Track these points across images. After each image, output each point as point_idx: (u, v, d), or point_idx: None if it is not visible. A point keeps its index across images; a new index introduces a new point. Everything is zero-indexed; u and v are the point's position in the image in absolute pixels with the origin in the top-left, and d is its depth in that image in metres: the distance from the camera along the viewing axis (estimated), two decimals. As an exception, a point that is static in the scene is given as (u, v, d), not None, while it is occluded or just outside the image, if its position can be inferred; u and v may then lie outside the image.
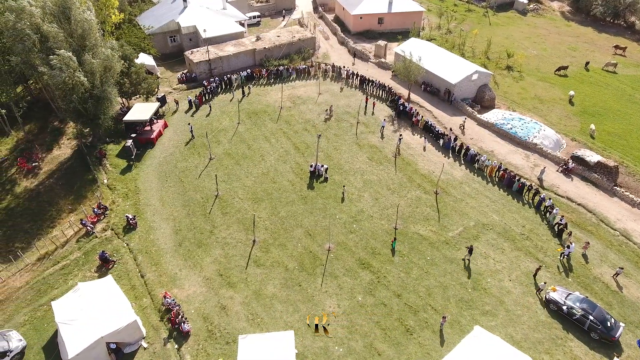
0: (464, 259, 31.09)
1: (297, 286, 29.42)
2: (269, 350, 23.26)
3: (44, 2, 33.87)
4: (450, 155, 41.06)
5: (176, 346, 25.84)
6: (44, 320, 27.42)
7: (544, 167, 37.25)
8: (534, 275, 29.66)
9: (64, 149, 41.57)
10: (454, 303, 28.40)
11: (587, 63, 55.92)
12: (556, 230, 32.92)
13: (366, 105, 47.17)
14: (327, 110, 45.83)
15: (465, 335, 25.97)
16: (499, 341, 23.56)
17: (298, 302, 28.38)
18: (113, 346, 24.71)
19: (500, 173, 37.66)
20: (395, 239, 32.21)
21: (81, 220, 32.71)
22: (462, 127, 43.45)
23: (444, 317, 26.54)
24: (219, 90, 50.04)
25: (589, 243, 30.79)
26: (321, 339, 26.29)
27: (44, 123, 44.70)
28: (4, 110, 41.62)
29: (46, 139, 42.59)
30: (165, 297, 27.72)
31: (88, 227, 32.48)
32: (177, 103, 47.28)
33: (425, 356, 25.53)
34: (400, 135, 41.82)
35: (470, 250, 30.78)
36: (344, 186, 36.98)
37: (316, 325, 24.12)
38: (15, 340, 25.43)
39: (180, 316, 26.47)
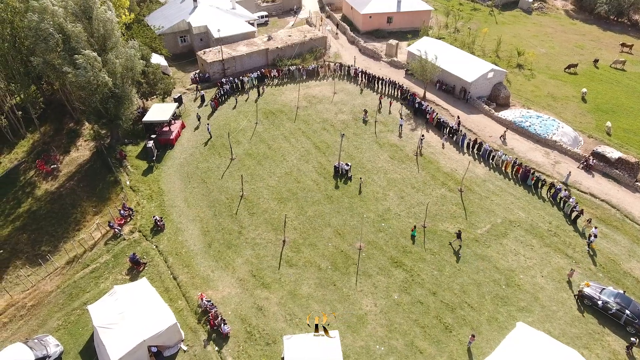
0: (450, 243, 31.88)
1: (332, 286, 29.35)
2: (315, 350, 23.16)
3: (66, 1, 33.34)
4: (465, 151, 41.31)
5: (216, 348, 25.62)
6: (78, 325, 27.03)
7: (569, 172, 37.27)
8: (568, 281, 29.06)
9: (82, 151, 41.00)
10: (490, 300, 28.54)
11: (597, 60, 56.56)
12: (571, 217, 33.54)
13: (380, 104, 47.14)
14: (364, 111, 45.42)
15: (504, 331, 26.28)
16: (544, 336, 23.73)
17: (335, 302, 28.31)
18: (154, 349, 24.44)
19: (516, 168, 38.00)
20: (415, 227, 32.66)
21: (109, 222, 32.27)
22: (503, 138, 42.09)
23: (472, 336, 25.45)
24: (232, 92, 49.58)
25: (574, 270, 29.31)
26: (362, 338, 26.26)
27: (58, 125, 44.05)
28: (19, 112, 41.06)
29: (63, 141, 41.99)
30: (201, 299, 27.46)
31: (115, 230, 32.06)
32: (199, 119, 44.24)
33: (466, 353, 25.61)
34: (422, 135, 41.82)
35: (459, 235, 31.46)
36: (360, 178, 37.17)
37: (316, 325, 23.67)
38: (53, 346, 25.02)
39: (219, 318, 26.23)
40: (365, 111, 45.45)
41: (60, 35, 32.38)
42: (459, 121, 43.50)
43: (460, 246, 31.69)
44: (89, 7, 33.89)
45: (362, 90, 49.94)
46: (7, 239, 32.98)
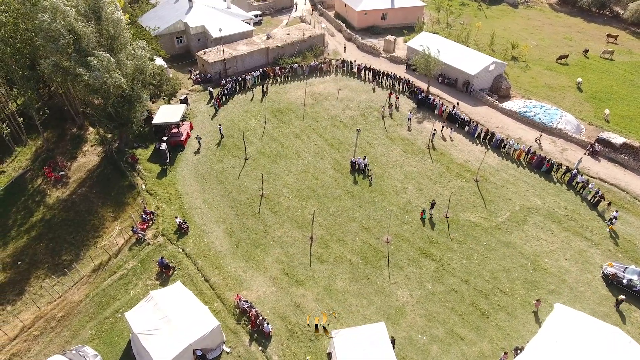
0: (430, 214, 33.74)
1: (366, 279, 29.51)
2: (365, 343, 23.22)
3: (77, 1, 32.29)
4: (478, 142, 42.18)
5: (260, 348, 25.39)
6: (112, 333, 26.31)
7: (581, 158, 38.46)
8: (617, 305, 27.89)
9: (90, 156, 39.76)
10: (520, 284, 29.28)
11: (587, 51, 58.59)
12: (592, 202, 34.79)
13: (389, 99, 47.48)
14: (383, 106, 45.90)
15: (539, 314, 27.07)
16: (584, 315, 24.52)
17: (371, 295, 28.48)
18: (199, 353, 24.04)
19: (529, 156, 39.06)
20: (424, 209, 33.71)
21: (132, 227, 31.48)
22: (539, 141, 41.38)
23: (505, 354, 24.52)
24: (234, 91, 49.02)
25: (539, 301, 27.50)
26: (403, 329, 26.52)
27: (61, 131, 42.55)
28: (20, 119, 39.55)
29: (67, 147, 40.61)
30: (239, 299, 27.14)
31: (139, 235, 31.29)
32: (199, 140, 40.48)
33: (506, 337, 26.23)
34: (434, 129, 42.39)
35: (432, 205, 33.60)
36: (370, 169, 37.79)
37: (316, 325, 23.62)
38: (91, 356, 24.26)
39: (260, 318, 25.99)
40: (391, 105, 46.22)
41: (72, 36, 31.28)
42: (454, 105, 45.53)
43: (431, 215, 33.70)
44: (99, 7, 32.88)
45: (374, 89, 49.81)
46: (24, 249, 31.76)
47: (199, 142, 40.73)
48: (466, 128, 43.01)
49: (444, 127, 42.66)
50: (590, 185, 35.15)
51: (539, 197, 35.94)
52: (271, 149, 41.03)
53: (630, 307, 28.07)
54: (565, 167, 37.52)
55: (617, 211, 33.13)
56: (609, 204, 34.11)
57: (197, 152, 40.13)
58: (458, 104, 46.19)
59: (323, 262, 30.63)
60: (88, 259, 30.47)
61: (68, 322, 26.70)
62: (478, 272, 30.04)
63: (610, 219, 32.81)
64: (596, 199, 34.41)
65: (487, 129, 42.28)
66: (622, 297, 27.62)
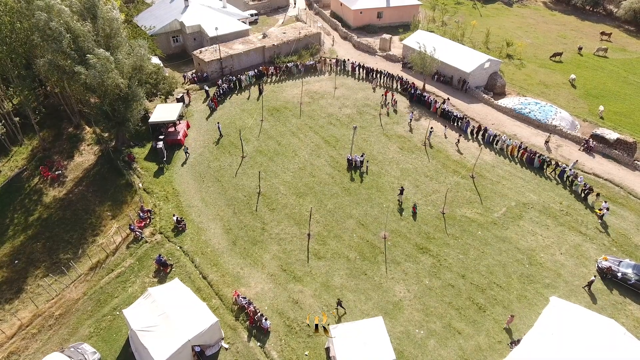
0: (399, 201, 34.72)
1: (363, 275, 29.66)
2: (363, 337, 23.38)
3: (70, 1, 32.28)
4: (470, 137, 42.39)
5: (259, 344, 25.49)
6: (111, 331, 26.34)
7: (576, 160, 38.51)
8: (588, 287, 28.76)
9: (86, 156, 39.72)
10: (516, 279, 29.51)
11: (581, 48, 59.03)
12: (582, 195, 35.26)
13: (385, 98, 47.66)
14: (387, 104, 46.30)
15: (534, 307, 27.36)
16: (579, 308, 24.76)
17: (368, 291, 28.63)
18: (198, 349, 24.09)
19: (521, 152, 39.36)
20: (415, 205, 34.20)
21: (129, 225, 31.50)
22: (547, 143, 41.12)
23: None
24: (230, 91, 49.05)
25: (513, 317, 26.48)
26: (401, 323, 26.69)
27: (57, 130, 42.49)
28: (17, 118, 39.47)
29: (64, 146, 40.55)
30: (237, 296, 27.23)
31: (137, 233, 31.31)
32: (186, 151, 39.37)
33: (502, 331, 26.42)
34: (431, 128, 42.54)
35: (401, 191, 34.46)
36: (367, 160, 38.43)
37: (316, 325, 23.67)
38: (90, 353, 24.29)
39: (258, 314, 26.08)
40: (395, 102, 46.55)
41: (69, 35, 31.27)
42: (444, 100, 46.15)
43: (401, 202, 34.44)
44: (94, 5, 32.86)
45: (374, 88, 49.73)
46: (20, 248, 31.73)
47: (186, 153, 39.30)
48: (458, 124, 43.23)
49: (458, 140, 41.74)
50: (579, 179, 35.52)
51: (534, 193, 36.22)
52: (268, 147, 41.14)
53: (625, 300, 28.35)
54: (554, 163, 37.87)
55: (606, 202, 33.54)
56: (598, 195, 34.52)
57: (184, 164, 38.81)
58: (448, 99, 46.48)
59: (320, 258, 30.77)
60: (86, 257, 30.49)
61: (66, 320, 26.71)
62: (474, 267, 30.26)
63: (600, 209, 33.17)
64: (585, 191, 34.79)
65: (480, 125, 42.54)
66: (592, 278, 28.48)
